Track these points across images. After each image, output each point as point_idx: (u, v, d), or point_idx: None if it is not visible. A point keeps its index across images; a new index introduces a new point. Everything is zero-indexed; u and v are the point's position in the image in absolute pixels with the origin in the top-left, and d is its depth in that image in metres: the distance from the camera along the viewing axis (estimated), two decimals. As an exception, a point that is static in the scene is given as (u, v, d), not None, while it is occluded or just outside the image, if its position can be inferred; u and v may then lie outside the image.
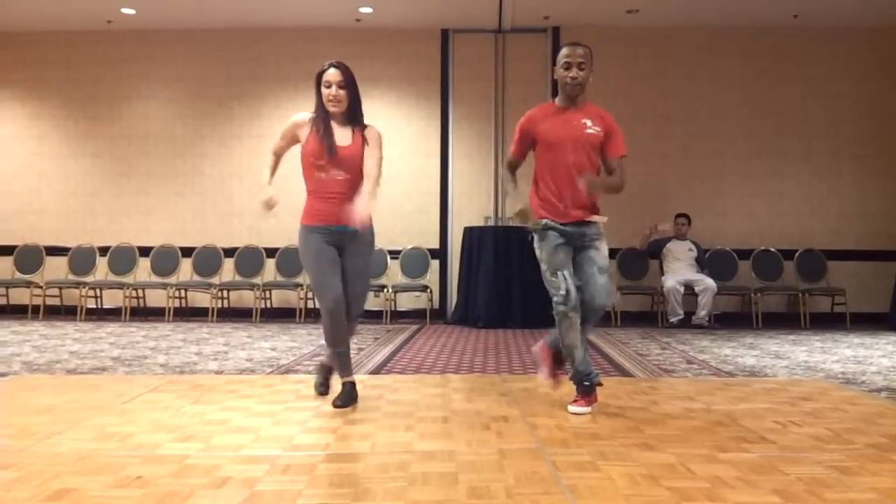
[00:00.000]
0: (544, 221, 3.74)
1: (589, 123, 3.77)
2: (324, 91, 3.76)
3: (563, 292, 3.65)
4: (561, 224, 3.73)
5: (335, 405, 3.73)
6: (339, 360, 3.84)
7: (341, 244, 3.79)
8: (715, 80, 9.45)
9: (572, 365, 3.74)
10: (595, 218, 3.81)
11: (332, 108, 3.77)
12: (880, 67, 9.35)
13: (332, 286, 3.69)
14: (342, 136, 3.78)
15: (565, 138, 3.73)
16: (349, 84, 3.77)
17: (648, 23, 9.28)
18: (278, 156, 3.95)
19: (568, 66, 3.72)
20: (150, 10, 9.05)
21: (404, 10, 9.04)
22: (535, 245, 3.78)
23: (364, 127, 3.84)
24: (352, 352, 4.36)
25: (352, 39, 9.45)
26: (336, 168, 3.74)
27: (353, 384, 3.85)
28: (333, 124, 3.78)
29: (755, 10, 8.85)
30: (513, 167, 3.93)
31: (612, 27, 9.39)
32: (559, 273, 3.67)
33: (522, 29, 9.43)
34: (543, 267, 3.73)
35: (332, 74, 3.75)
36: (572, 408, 3.68)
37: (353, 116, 3.81)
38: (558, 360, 3.92)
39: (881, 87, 9.34)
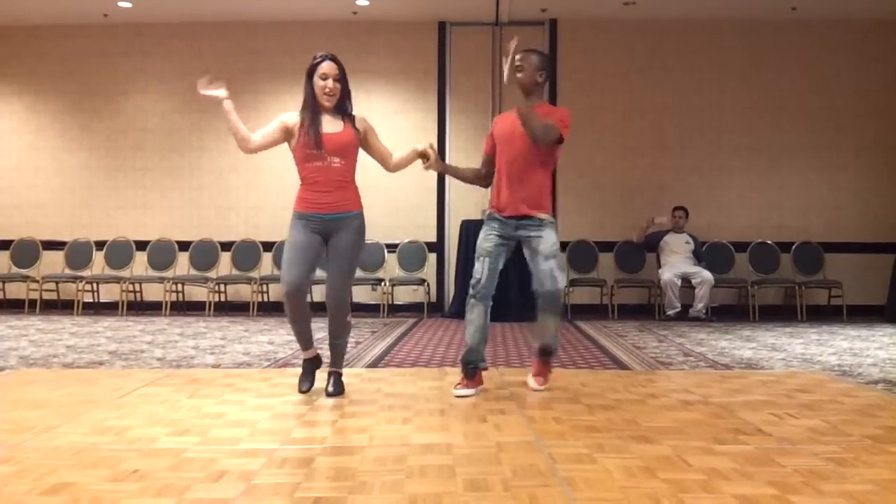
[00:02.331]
0: (488, 212, 4.07)
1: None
2: (319, 83, 3.77)
3: (476, 278, 3.97)
4: (503, 217, 3.98)
5: (328, 394, 3.85)
6: (303, 337, 3.96)
7: (329, 232, 3.82)
8: (713, 72, 9.43)
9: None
10: (536, 214, 3.98)
11: (325, 102, 3.78)
12: (879, 60, 9.34)
13: (291, 274, 3.80)
14: (333, 125, 3.80)
15: (506, 137, 3.99)
16: (343, 77, 3.81)
17: (645, 15, 9.26)
18: (257, 139, 3.87)
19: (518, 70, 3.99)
20: (147, 4, 9.01)
21: (401, 3, 9.01)
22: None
23: (353, 117, 3.86)
24: (349, 345, 4.38)
25: (348, 33, 9.42)
26: (332, 155, 3.77)
27: (338, 374, 3.95)
28: (324, 115, 3.79)
29: (753, 2, 8.82)
30: (482, 164, 4.22)
31: (609, 19, 9.37)
32: (480, 259, 3.98)
33: (520, 22, 9.40)
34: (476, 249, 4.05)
35: (329, 67, 3.76)
36: (456, 391, 3.91)
37: (343, 108, 3.84)
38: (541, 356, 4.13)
39: (880, 80, 9.33)
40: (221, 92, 3.80)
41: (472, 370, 3.98)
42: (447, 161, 9.37)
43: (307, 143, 3.74)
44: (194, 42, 9.64)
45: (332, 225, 3.80)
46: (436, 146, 4.21)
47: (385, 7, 9.09)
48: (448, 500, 2.25)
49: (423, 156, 3.94)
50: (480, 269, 3.98)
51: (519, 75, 3.95)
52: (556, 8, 9.14)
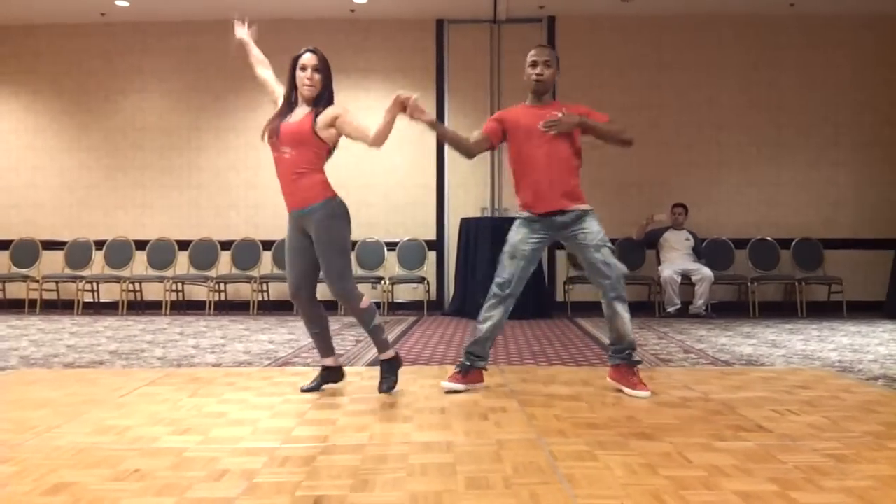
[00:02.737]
0: (524, 213, 3.96)
1: (559, 115, 3.87)
2: (299, 74, 3.80)
3: (505, 277, 3.90)
4: (540, 215, 3.90)
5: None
6: (317, 343, 4.00)
7: (305, 227, 3.81)
8: (711, 69, 9.43)
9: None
10: (577, 207, 3.92)
11: (305, 92, 3.79)
12: (877, 56, 9.34)
13: (288, 278, 3.91)
14: (297, 114, 3.81)
15: (535, 133, 3.87)
16: (324, 69, 3.81)
17: (643, 11, 9.26)
18: (262, 73, 4.16)
19: (534, 64, 3.93)
20: (144, 3, 9.00)
21: (399, 1, 9.00)
22: (512, 229, 4.00)
23: (322, 108, 3.79)
24: (349, 343, 4.37)
25: (346, 31, 9.42)
26: (284, 145, 3.76)
27: (385, 361, 3.95)
28: (298, 107, 3.82)
29: (751, -2, 8.84)
30: (475, 138, 4.04)
31: (607, 16, 9.37)
32: (514, 260, 3.91)
33: (518, 19, 9.40)
34: (504, 248, 3.96)
35: (308, 58, 3.81)
36: (444, 382, 3.92)
37: (319, 101, 3.81)
38: (629, 362, 3.95)
39: (878, 76, 9.33)
40: (242, 32, 4.11)
41: (468, 365, 3.96)
42: (446, 160, 9.42)
43: (267, 131, 3.80)
44: (192, 41, 9.63)
45: (305, 220, 3.78)
46: (433, 116, 4.09)
47: (383, 5, 9.08)
48: (449, 498, 2.25)
49: (402, 108, 3.73)
50: (513, 270, 3.89)
51: (541, 72, 3.89)
52: (554, 5, 9.14)
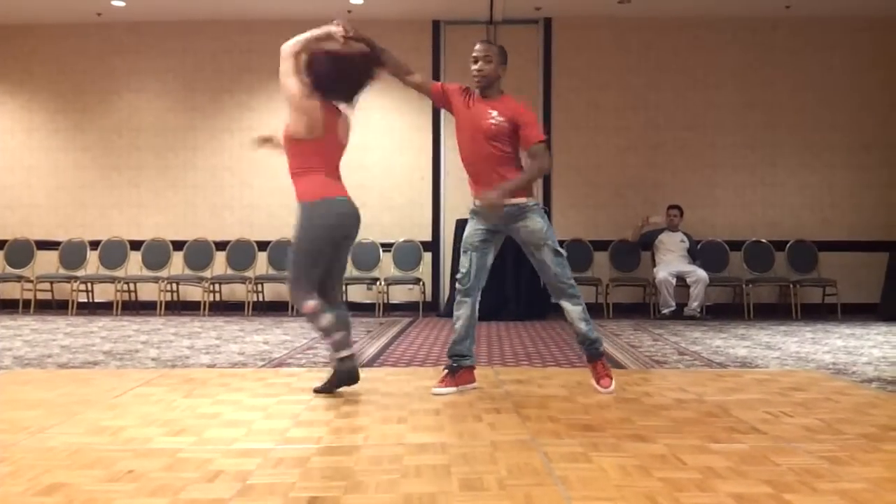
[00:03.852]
0: (473, 204, 4.00)
1: (494, 114, 3.88)
2: None
3: (462, 272, 3.95)
4: (478, 206, 3.95)
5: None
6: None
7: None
8: (707, 70, 9.45)
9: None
10: (512, 201, 3.85)
11: None
12: (873, 58, 9.36)
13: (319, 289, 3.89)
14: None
15: (467, 129, 3.93)
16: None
17: (640, 13, 9.27)
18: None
19: (474, 60, 3.96)
20: (140, 3, 8.99)
21: (395, 2, 9.00)
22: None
23: None
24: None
25: (343, 31, 9.40)
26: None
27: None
28: None
29: (747, 0, 8.84)
30: (419, 78, 4.11)
31: (604, 17, 9.38)
32: (466, 253, 3.95)
33: (514, 20, 9.41)
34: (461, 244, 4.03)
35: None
36: (434, 389, 3.91)
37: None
38: (590, 352, 4.00)
39: (874, 78, 9.35)
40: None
41: (454, 367, 3.96)
42: (442, 161, 9.41)
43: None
44: (188, 41, 9.62)
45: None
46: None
47: (379, 6, 9.08)
48: (443, 500, 2.25)
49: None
50: (467, 263, 3.95)
51: (481, 68, 3.90)
52: (551, 6, 9.15)
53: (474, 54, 3.96)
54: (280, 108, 3.99)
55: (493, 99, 3.93)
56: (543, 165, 3.94)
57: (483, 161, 3.89)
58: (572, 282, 3.93)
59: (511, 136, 3.88)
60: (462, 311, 3.96)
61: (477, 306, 4.00)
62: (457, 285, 4.02)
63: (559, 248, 3.92)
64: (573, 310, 3.91)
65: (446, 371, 3.99)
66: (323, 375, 4.08)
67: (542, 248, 3.87)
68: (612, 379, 3.97)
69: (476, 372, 4.10)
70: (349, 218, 3.89)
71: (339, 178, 3.93)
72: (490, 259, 4.00)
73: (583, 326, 3.91)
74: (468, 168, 3.97)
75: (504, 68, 3.98)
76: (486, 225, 3.95)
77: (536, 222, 3.88)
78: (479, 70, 3.93)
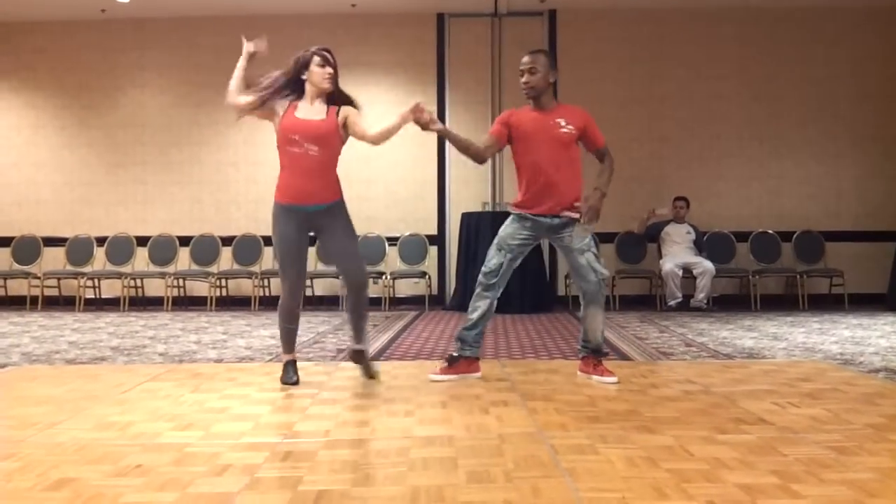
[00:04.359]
0: (518, 211, 4.06)
1: (563, 123, 4.00)
2: (319, 70, 3.82)
3: (492, 267, 4.01)
4: (533, 215, 4.00)
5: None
6: (286, 337, 4.05)
7: (315, 223, 3.85)
8: (712, 62, 9.41)
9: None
10: (568, 214, 4.00)
11: (326, 85, 3.83)
12: (878, 48, 9.31)
13: (294, 275, 3.91)
14: (318, 111, 3.83)
15: (535, 138, 3.99)
16: (336, 66, 3.88)
17: (644, 5, 9.24)
18: (246, 81, 3.92)
19: (521, 73, 4.02)
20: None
21: (399, -5, 9.00)
22: (506, 222, 4.11)
23: (339, 107, 3.88)
24: (346, 339, 4.36)
25: (347, 25, 9.40)
26: (309, 143, 3.78)
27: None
28: (316, 102, 3.85)
29: (751, -9, 8.82)
30: (484, 143, 4.13)
31: (608, 9, 9.36)
32: (501, 251, 4.02)
33: (519, 12, 9.39)
34: (495, 239, 4.08)
35: (327, 55, 3.86)
36: (431, 375, 4.04)
37: (332, 98, 3.88)
38: (596, 355, 4.15)
39: (879, 68, 9.31)
40: (249, 46, 3.99)
41: (455, 356, 4.06)
42: (447, 155, 9.41)
43: (290, 126, 3.80)
44: (192, 37, 9.62)
45: (319, 216, 3.86)
46: (434, 111, 4.20)
47: (384, -1, 9.08)
48: (450, 492, 2.25)
49: (416, 119, 3.78)
50: (500, 261, 4.02)
51: (528, 80, 3.97)
52: (555, -2, 9.15)
53: (521, 67, 4.02)
54: (285, 101, 3.98)
55: (553, 108, 4.04)
56: (613, 164, 4.15)
57: (563, 169, 3.97)
58: (605, 291, 4.08)
59: (578, 143, 4.06)
60: (481, 304, 4.05)
61: (495, 303, 4.09)
62: (481, 278, 4.06)
63: (599, 254, 4.08)
64: (599, 320, 4.07)
65: (447, 359, 4.10)
66: (329, 369, 4.09)
67: (585, 254, 3.99)
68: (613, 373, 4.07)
69: (482, 365, 4.17)
70: None
71: None
72: (518, 262, 4.10)
73: (601, 336, 4.10)
74: (543, 178, 3.96)
75: (555, 73, 4.07)
76: (530, 231, 4.03)
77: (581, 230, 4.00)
78: (526, 83, 4.00)
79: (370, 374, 4.05)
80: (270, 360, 5.02)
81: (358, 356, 4.03)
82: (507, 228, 4.07)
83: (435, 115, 3.93)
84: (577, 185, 4.03)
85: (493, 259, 4.03)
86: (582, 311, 4.10)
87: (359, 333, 4.02)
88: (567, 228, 3.99)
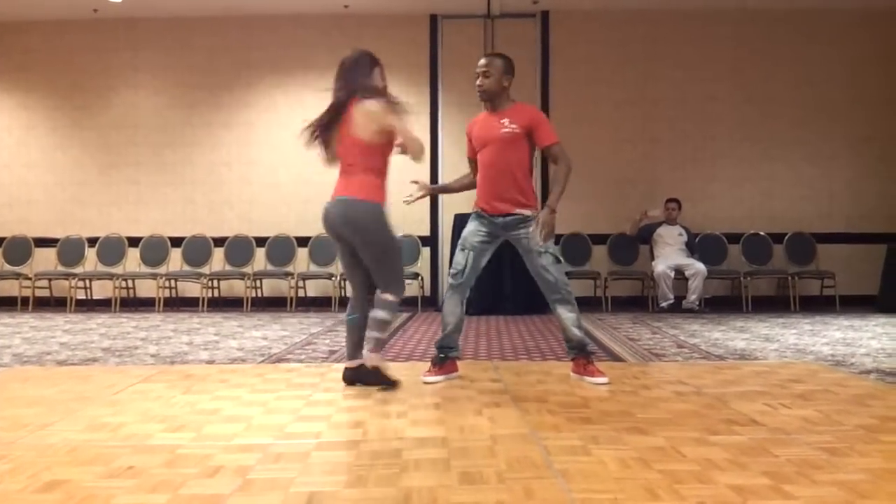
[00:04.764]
0: (476, 209, 4.17)
1: (506, 122, 4.04)
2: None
3: (457, 268, 4.11)
4: (489, 215, 4.08)
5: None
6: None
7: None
8: (705, 63, 9.44)
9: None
10: (520, 211, 4.06)
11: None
12: (872, 50, 9.35)
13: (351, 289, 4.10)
14: None
15: (482, 140, 4.10)
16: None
17: (637, 6, 9.26)
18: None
19: (476, 76, 4.11)
20: (136, -1, 8.99)
21: (392, -3, 9.00)
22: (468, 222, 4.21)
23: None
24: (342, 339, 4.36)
25: (340, 26, 9.39)
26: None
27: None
28: None
29: (744, -7, 8.85)
30: (469, 168, 4.38)
31: (601, 11, 9.37)
32: (464, 251, 4.11)
33: (511, 14, 9.40)
34: (460, 238, 4.18)
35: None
36: (424, 377, 4.05)
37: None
38: (584, 353, 4.15)
39: (873, 71, 9.34)
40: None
41: (442, 358, 4.12)
42: (439, 156, 9.41)
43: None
44: (185, 37, 9.60)
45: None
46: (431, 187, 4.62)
47: (377, 0, 9.06)
48: (443, 493, 2.25)
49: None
50: (463, 260, 4.11)
51: (481, 83, 4.05)
52: (548, 0, 9.14)
53: (476, 70, 4.09)
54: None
55: (504, 110, 4.08)
56: (569, 165, 4.06)
57: (501, 169, 4.02)
58: (570, 289, 4.08)
59: (526, 142, 4.04)
60: (451, 305, 4.13)
61: (465, 302, 4.18)
62: (449, 279, 4.17)
63: (559, 256, 4.10)
64: (569, 317, 4.05)
65: (434, 362, 4.15)
66: (322, 370, 4.08)
67: (543, 255, 3.99)
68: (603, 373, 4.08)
69: (475, 366, 4.25)
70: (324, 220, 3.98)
71: (343, 175, 4.02)
72: (485, 261, 4.17)
73: (578, 333, 4.07)
74: (486, 176, 4.08)
75: (509, 78, 4.09)
76: (487, 228, 4.09)
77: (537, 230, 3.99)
78: (479, 85, 4.09)
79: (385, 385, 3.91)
80: (262, 361, 5.01)
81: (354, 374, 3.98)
82: (468, 227, 4.18)
83: (427, 184, 4.43)
84: (525, 184, 4.06)
85: (458, 260, 4.13)
86: (552, 311, 4.13)
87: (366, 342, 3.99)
88: (522, 227, 4.02)
